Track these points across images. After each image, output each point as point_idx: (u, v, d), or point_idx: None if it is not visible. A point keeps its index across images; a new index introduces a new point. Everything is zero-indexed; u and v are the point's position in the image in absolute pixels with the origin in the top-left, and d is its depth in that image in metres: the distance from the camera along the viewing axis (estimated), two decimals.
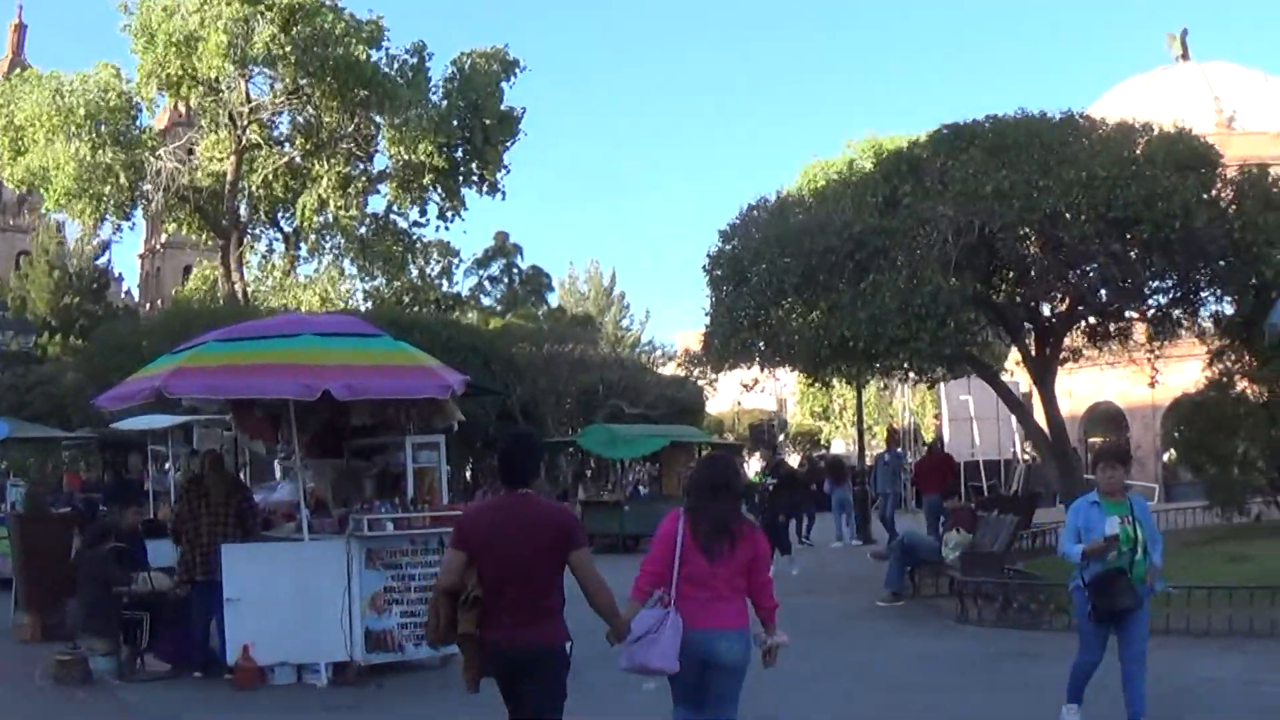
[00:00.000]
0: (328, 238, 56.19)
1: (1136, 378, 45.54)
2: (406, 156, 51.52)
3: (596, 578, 8.54)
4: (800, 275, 24.03)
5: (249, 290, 52.00)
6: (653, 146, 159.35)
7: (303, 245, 56.69)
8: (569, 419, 44.00)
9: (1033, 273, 25.48)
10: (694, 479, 9.85)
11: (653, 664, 8.87)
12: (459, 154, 53.66)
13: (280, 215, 56.28)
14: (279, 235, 57.46)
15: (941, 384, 53.42)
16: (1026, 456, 53.10)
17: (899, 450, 40.34)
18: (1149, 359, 28.94)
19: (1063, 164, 23.47)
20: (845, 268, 23.89)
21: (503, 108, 53.82)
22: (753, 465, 54.93)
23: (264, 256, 55.86)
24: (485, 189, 55.19)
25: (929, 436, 60.27)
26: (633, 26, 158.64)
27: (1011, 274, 26.43)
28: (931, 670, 16.95)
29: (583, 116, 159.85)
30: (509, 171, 55.17)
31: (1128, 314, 28.43)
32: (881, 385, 59.47)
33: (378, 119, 51.83)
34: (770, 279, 24.62)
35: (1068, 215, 23.24)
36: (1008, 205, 23.09)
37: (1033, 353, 28.59)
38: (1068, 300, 27.08)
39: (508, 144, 54.65)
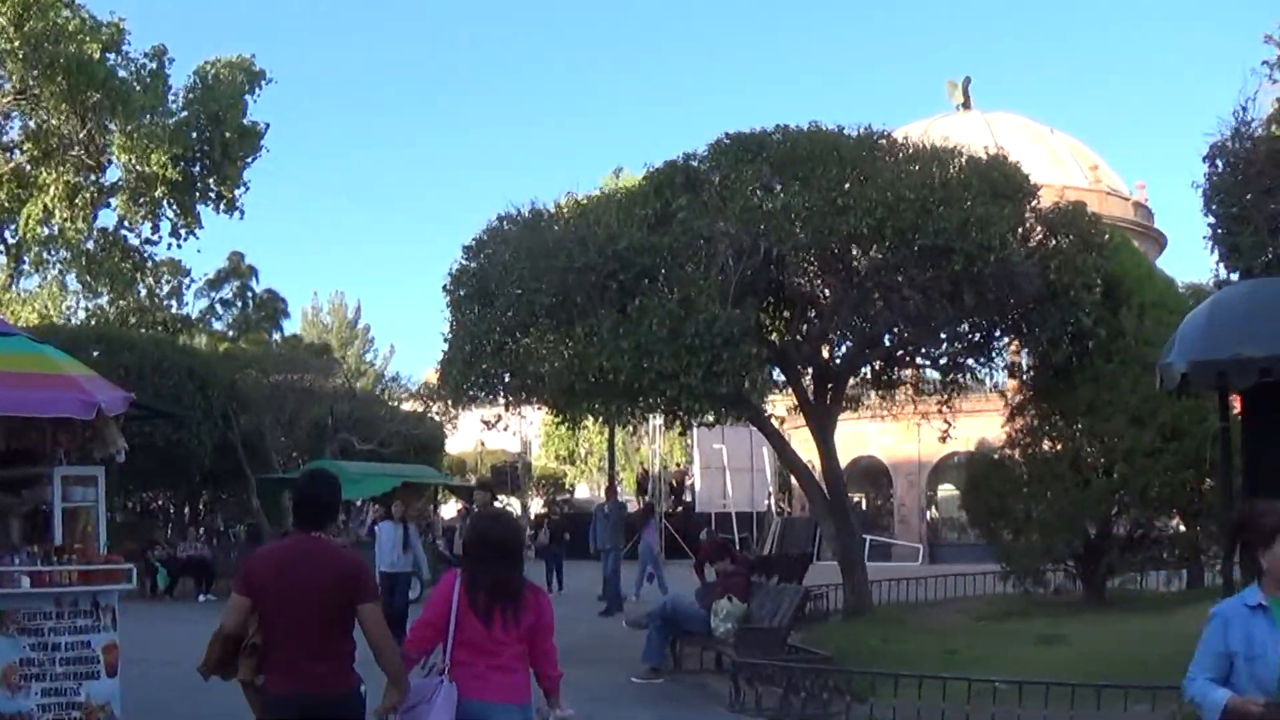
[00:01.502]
0: (53, 251, 50.86)
1: (903, 431, 43.37)
2: (139, 167, 47.14)
3: (386, 636, 8.06)
4: (554, 296, 20.42)
5: None
6: (406, 169, 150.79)
7: (26, 259, 51.21)
8: (296, 453, 39.72)
9: (819, 307, 21.73)
10: (470, 537, 8.81)
11: None
12: (196, 169, 49.29)
13: (5, 226, 50.91)
14: (1, 247, 52.01)
15: (694, 430, 51.06)
16: (780, 510, 50.61)
17: (621, 501, 36.34)
18: (939, 410, 25.61)
19: (865, 183, 20.31)
20: (607, 290, 20.34)
21: (245, 121, 49.71)
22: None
23: None
24: (222, 206, 50.66)
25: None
26: (398, 39, 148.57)
27: (796, 307, 22.63)
28: None
29: (333, 133, 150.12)
30: (248, 189, 51.15)
31: (919, 360, 25.02)
32: (630, 429, 56.40)
33: (110, 125, 46.88)
34: (520, 300, 20.94)
35: (869, 241, 19.73)
36: (799, 226, 19.50)
37: (811, 398, 24.92)
38: (853, 341, 23.41)
39: (249, 160, 50.49)
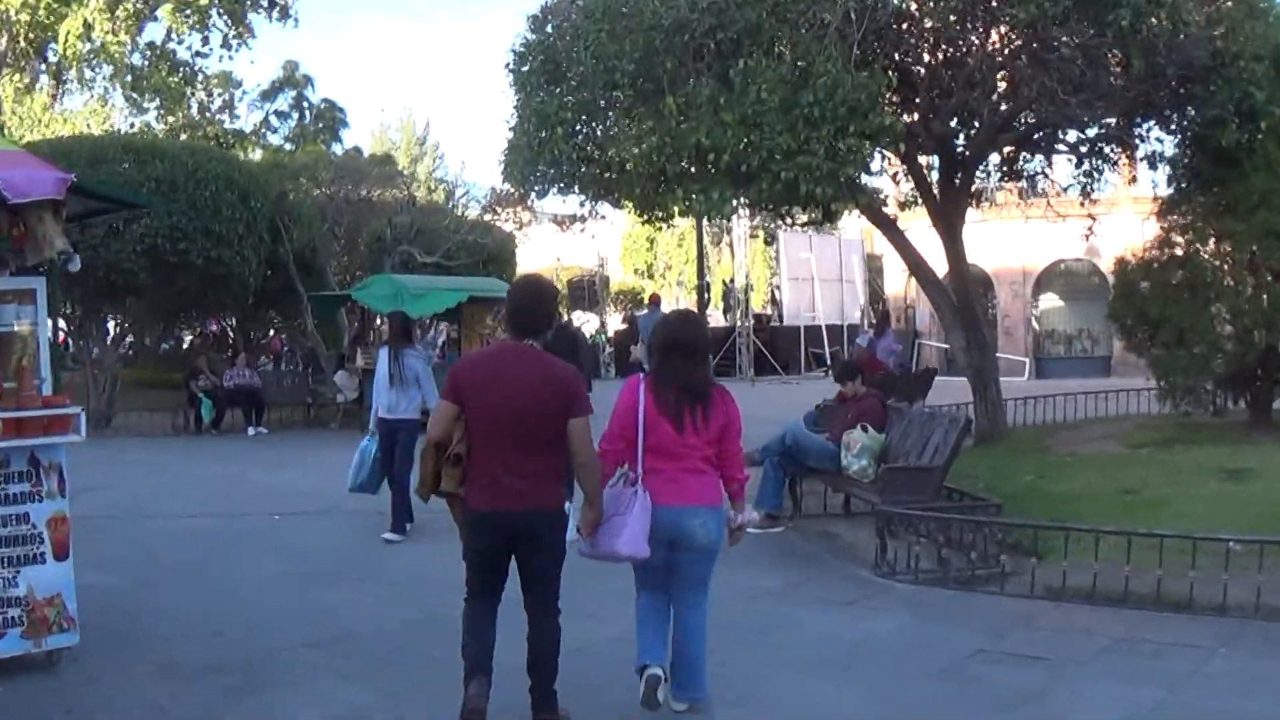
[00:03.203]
0: (96, 68, 47.76)
1: (1001, 237, 39.46)
2: None
3: (591, 453, 7.61)
4: (637, 63, 16.33)
5: (3, 124, 43.19)
6: None
7: (69, 76, 48.48)
8: (355, 269, 35.98)
9: (957, 70, 17.51)
10: (656, 339, 8.42)
11: (621, 550, 7.72)
12: None
13: (46, 45, 47.89)
14: (44, 67, 49.29)
15: (781, 238, 47.62)
16: (872, 323, 47.34)
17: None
18: (1082, 203, 21.54)
19: None
20: (704, 52, 16.36)
21: None
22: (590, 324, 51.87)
23: (22, 89, 46.93)
24: (275, 14, 48.11)
25: (759, 300, 54.14)
26: None
27: (925, 75, 18.35)
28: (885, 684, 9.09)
29: None
30: None
31: (1057, 147, 20.97)
32: (713, 239, 52.76)
33: None
34: (595, 71, 16.85)
35: None
36: None
37: (936, 190, 20.84)
38: (986, 119, 19.19)
39: None
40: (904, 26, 17.63)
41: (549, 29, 18.61)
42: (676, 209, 18.63)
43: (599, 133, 17.57)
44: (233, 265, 27.68)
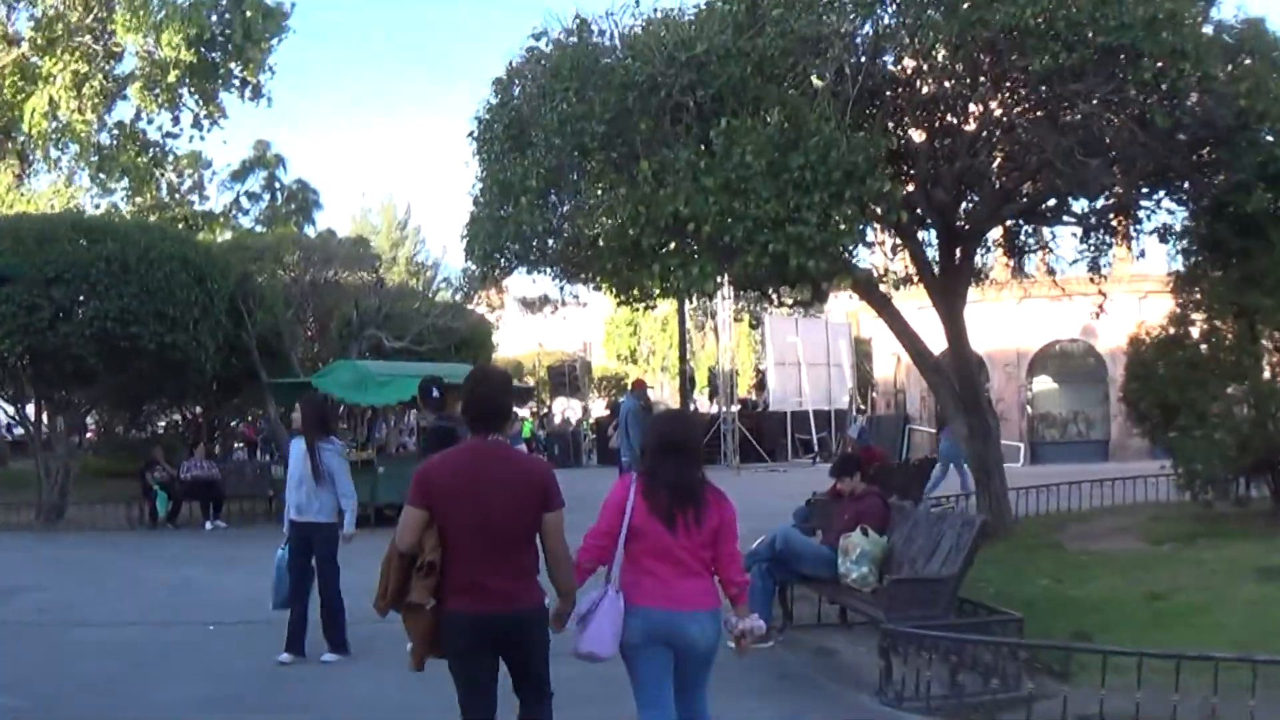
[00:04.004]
0: (62, 147, 46.92)
1: (994, 318, 38.50)
2: (150, 49, 42.72)
3: (565, 548, 7.37)
4: (609, 124, 14.80)
5: None
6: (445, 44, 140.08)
7: (35, 156, 47.53)
8: (326, 355, 34.51)
9: (961, 135, 15.96)
10: (648, 439, 8.11)
11: (593, 649, 7.36)
12: (216, 54, 44.61)
13: (12, 124, 46.40)
14: (9, 146, 47.65)
15: (767, 321, 46.66)
16: (861, 409, 46.11)
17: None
18: (1092, 278, 20.48)
19: None
20: (682, 112, 14.69)
21: (268, 1, 44.73)
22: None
23: None
24: (248, 94, 46.24)
25: (744, 386, 53.12)
26: None
27: (931, 138, 16.78)
28: None
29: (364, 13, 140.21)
30: (274, 74, 46.88)
31: (1065, 216, 19.57)
32: (698, 325, 51.70)
33: (116, 5, 42.30)
34: (563, 135, 15.13)
35: (1034, 38, 14.29)
36: (939, 15, 13.78)
37: (935, 265, 19.31)
38: (996, 187, 17.65)
39: (273, 41, 45.56)
40: (899, 91, 16.09)
41: (515, 92, 17.03)
42: (654, 286, 16.53)
43: (568, 205, 15.92)
44: (189, 350, 26.28)
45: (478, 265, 17.45)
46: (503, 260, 17.11)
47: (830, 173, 13.63)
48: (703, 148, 14.37)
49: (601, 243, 15.26)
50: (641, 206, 14.39)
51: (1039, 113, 15.44)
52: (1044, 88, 14.94)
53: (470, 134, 17.87)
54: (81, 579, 19.01)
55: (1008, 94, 15.68)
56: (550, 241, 16.46)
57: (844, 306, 57.24)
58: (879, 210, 14.23)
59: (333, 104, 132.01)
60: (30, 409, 28.67)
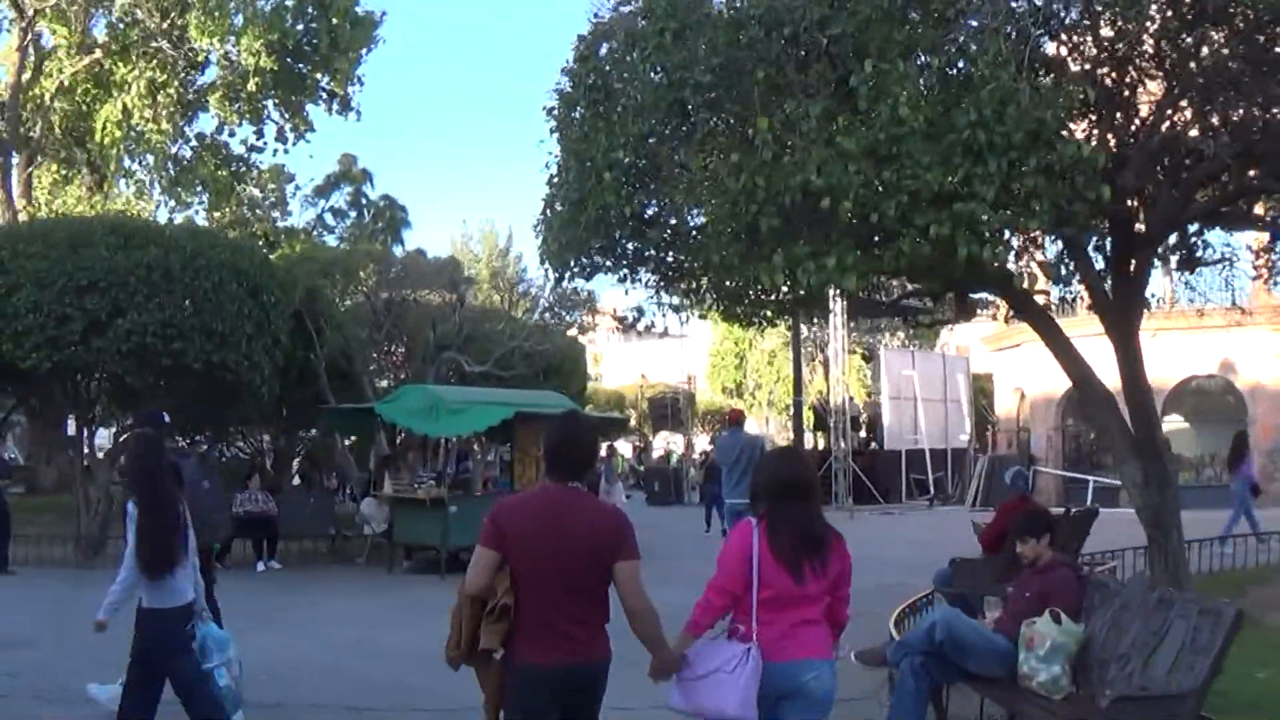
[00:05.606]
0: (137, 158, 45.80)
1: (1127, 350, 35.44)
2: (229, 56, 40.92)
3: (644, 598, 6.88)
4: (715, 73, 11.22)
5: (36, 217, 40.65)
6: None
7: (109, 166, 45.74)
8: (405, 382, 31.67)
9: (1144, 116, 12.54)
10: (765, 481, 7.42)
11: (729, 712, 6.85)
12: (302, 65, 42.87)
13: (85, 134, 45.14)
14: (83, 157, 46.30)
15: (881, 353, 44.40)
16: (977, 447, 43.23)
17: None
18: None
19: None
20: (810, 55, 11.03)
21: (357, 9, 42.74)
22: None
23: (60, 178, 44.21)
24: (335, 106, 44.37)
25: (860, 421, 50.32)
26: None
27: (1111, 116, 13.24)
28: None
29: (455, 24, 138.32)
30: (363, 86, 45.21)
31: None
32: (809, 356, 48.79)
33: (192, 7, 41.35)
34: (658, 86, 11.71)
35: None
36: None
37: (1107, 284, 15.87)
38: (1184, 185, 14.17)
39: (362, 52, 43.92)
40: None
41: (601, 52, 13.69)
42: (771, 284, 12.55)
43: (663, 182, 12.47)
44: (240, 371, 23.22)
45: (551, 265, 14.02)
46: (582, 259, 13.76)
47: (1009, 133, 10.11)
48: (840, 100, 10.91)
49: (708, 227, 11.73)
50: (759, 178, 10.72)
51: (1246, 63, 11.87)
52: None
53: (546, 108, 14.57)
54: (80, 633, 15.86)
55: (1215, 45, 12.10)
56: (643, 233, 13.08)
57: (957, 340, 54.15)
58: (1075, 183, 10.47)
59: (426, 122, 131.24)
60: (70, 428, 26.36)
